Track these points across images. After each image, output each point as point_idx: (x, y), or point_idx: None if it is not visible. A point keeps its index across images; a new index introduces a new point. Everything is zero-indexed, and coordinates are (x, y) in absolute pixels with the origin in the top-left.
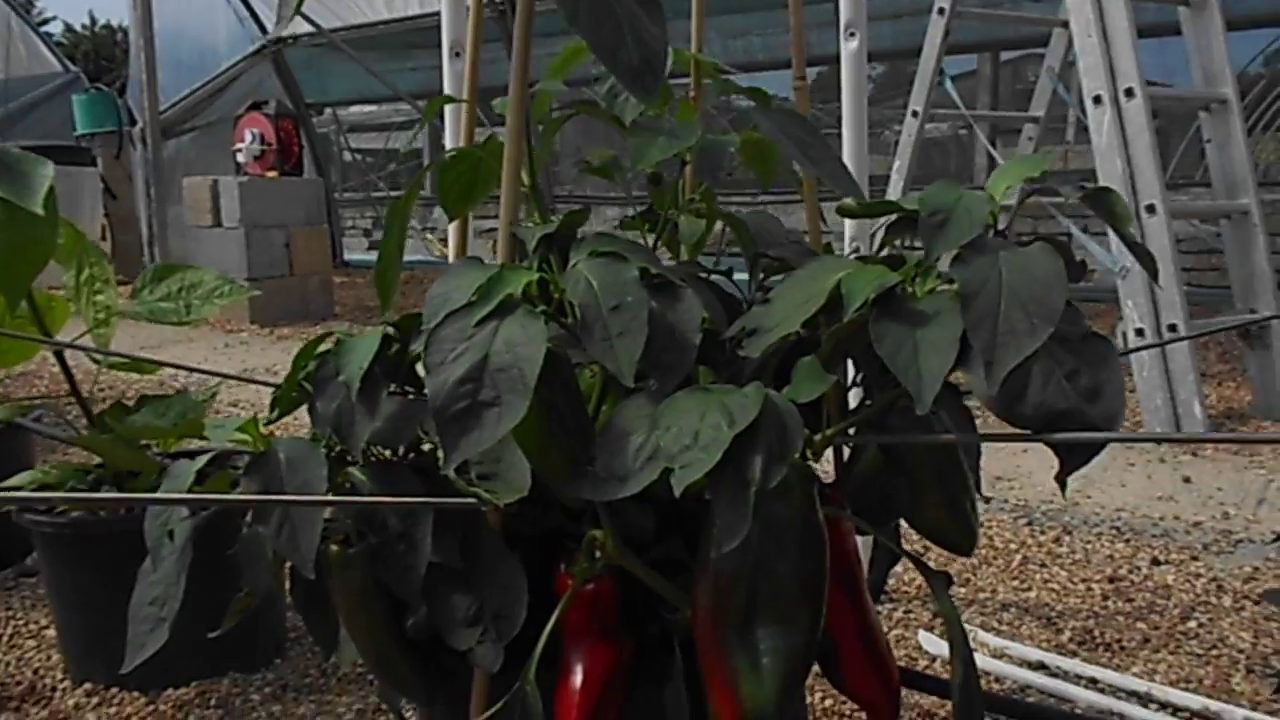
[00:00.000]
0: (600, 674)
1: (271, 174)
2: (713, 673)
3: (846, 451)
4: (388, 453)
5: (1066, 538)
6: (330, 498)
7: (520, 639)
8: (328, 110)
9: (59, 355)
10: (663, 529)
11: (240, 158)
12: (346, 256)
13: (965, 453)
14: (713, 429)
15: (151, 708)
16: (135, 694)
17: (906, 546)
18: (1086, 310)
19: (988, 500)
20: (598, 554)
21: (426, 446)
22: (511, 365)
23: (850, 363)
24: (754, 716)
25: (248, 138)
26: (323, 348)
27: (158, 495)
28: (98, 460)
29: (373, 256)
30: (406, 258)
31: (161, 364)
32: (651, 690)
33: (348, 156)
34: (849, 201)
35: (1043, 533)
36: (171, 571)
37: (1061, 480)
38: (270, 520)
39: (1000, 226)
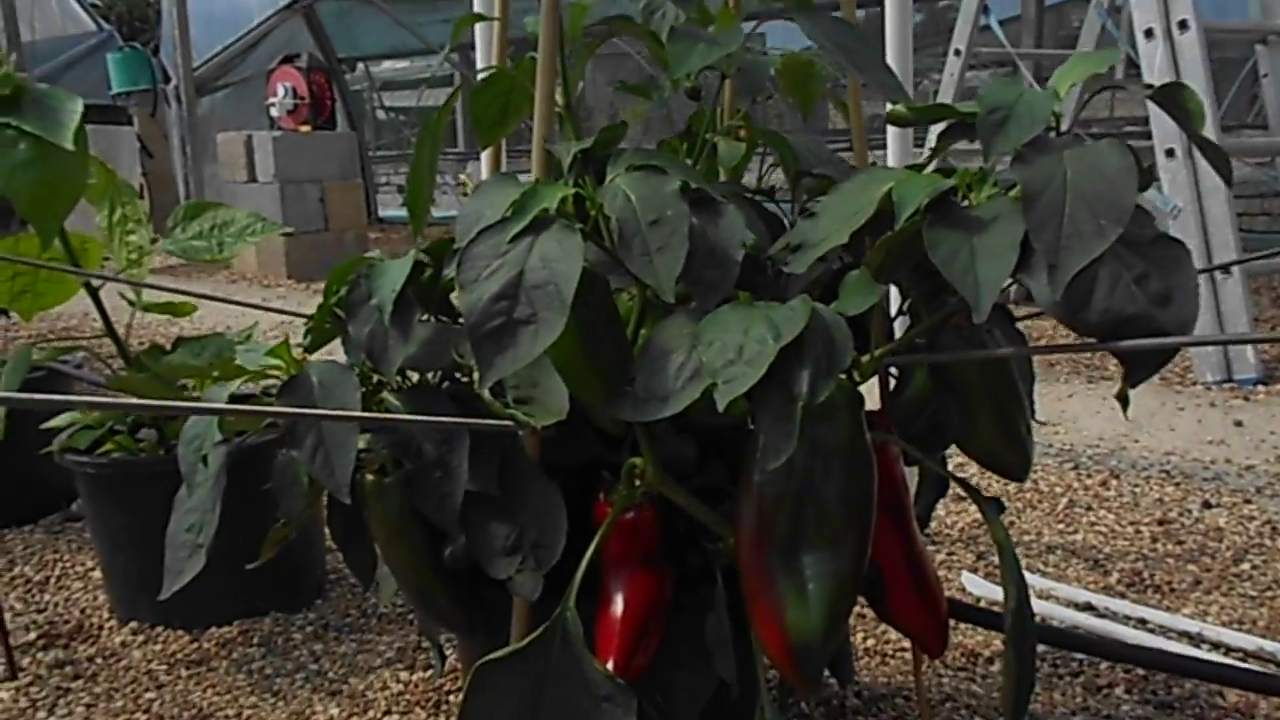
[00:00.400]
0: (641, 603)
1: (305, 128)
2: (757, 601)
3: (893, 383)
4: (421, 379)
5: (1114, 481)
6: (365, 414)
7: (559, 570)
8: (360, 67)
9: (94, 296)
10: (704, 458)
11: (274, 112)
12: (381, 213)
13: (1020, 377)
14: (757, 343)
15: (195, 645)
16: (179, 632)
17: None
18: None
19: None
20: (637, 482)
21: (463, 378)
22: (548, 281)
23: (896, 290)
24: (799, 645)
25: (280, 91)
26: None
27: (190, 404)
28: None
29: (405, 214)
30: (438, 212)
31: (196, 295)
32: (693, 622)
33: (380, 114)
34: (899, 108)
35: (1089, 476)
36: (207, 498)
37: (1124, 395)
38: (304, 444)
39: (1063, 128)
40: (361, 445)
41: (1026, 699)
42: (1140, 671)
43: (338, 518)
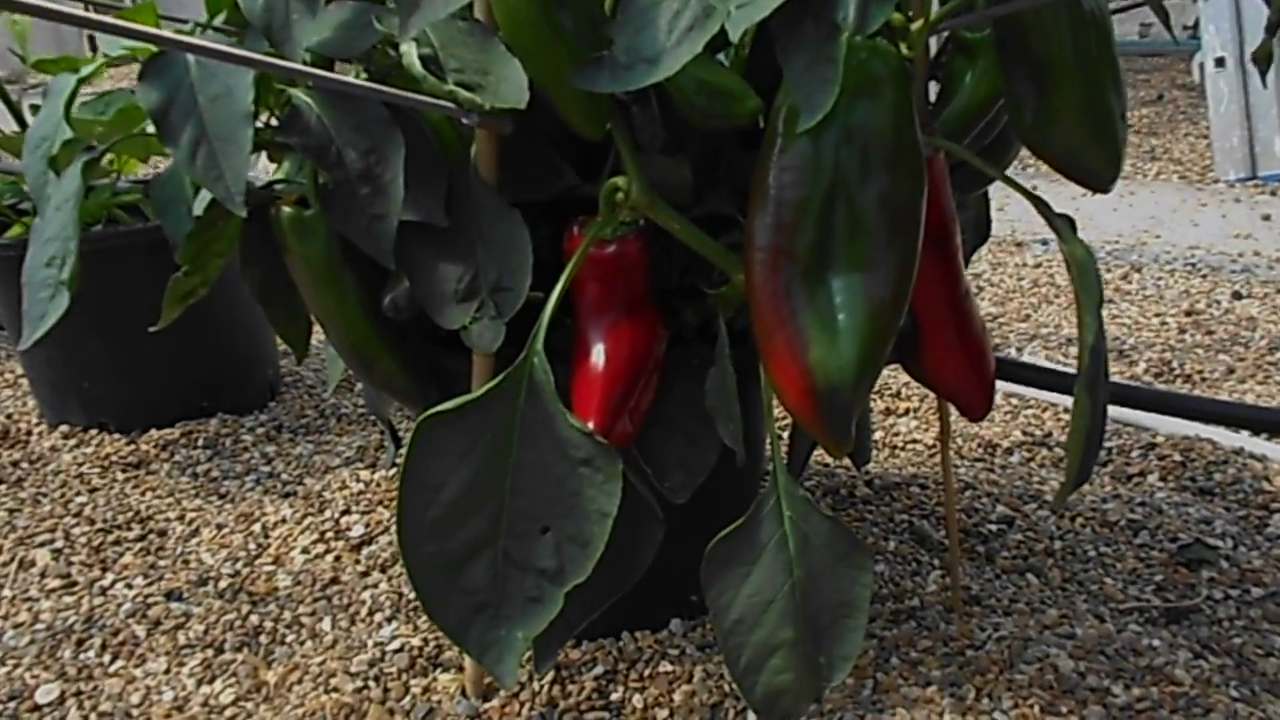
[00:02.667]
0: (626, 355)
1: None
2: (772, 337)
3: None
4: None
5: (1136, 275)
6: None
7: (526, 322)
8: None
9: None
10: (703, 187)
11: None
12: None
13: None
14: None
15: (132, 447)
16: (115, 435)
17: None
18: (1145, 64)
19: (1045, 242)
20: (620, 206)
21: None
22: None
23: None
24: (825, 388)
25: None
26: None
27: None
28: None
29: None
30: None
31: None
32: (690, 385)
33: None
34: None
35: (1109, 270)
36: (65, 223)
37: None
38: (181, 139)
39: None
40: (280, 175)
41: (1095, 456)
42: (1176, 457)
43: (253, 266)
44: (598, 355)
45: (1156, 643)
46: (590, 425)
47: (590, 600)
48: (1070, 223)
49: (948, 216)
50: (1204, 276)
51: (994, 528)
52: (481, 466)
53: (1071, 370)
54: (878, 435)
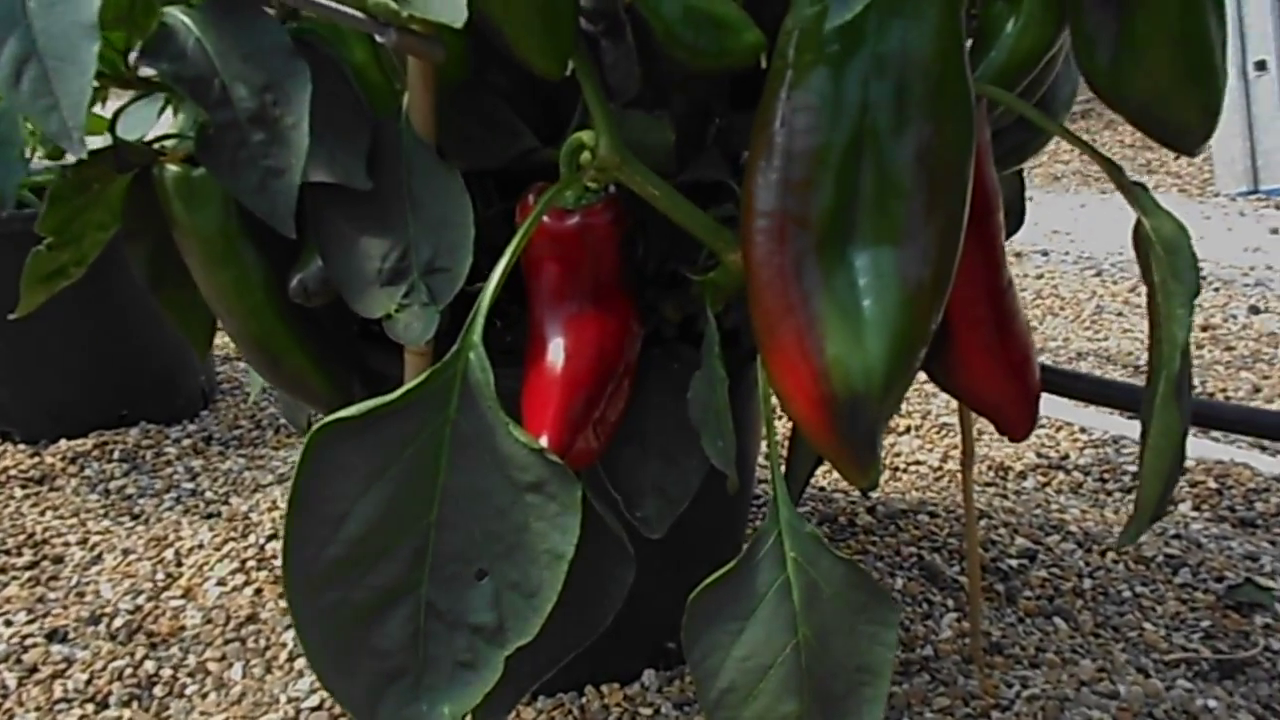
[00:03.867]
0: (590, 355)
1: None
2: (777, 329)
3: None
4: None
5: (1144, 287)
6: None
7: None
8: None
9: None
10: (688, 149)
11: None
12: None
13: None
14: None
15: (36, 460)
16: (21, 447)
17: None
18: None
19: (1045, 253)
20: (586, 167)
21: None
22: None
23: None
24: (847, 396)
25: None
26: None
27: None
28: None
29: None
30: None
31: None
32: (668, 394)
33: None
34: None
35: (1114, 283)
36: None
37: None
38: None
39: None
40: (172, 131)
41: (1175, 483)
42: (1210, 484)
43: (139, 240)
44: (555, 354)
45: (1212, 703)
46: (543, 441)
47: (544, 657)
48: (1148, 193)
49: (990, 187)
50: (1216, 290)
51: (1014, 563)
52: (398, 492)
53: (1135, 383)
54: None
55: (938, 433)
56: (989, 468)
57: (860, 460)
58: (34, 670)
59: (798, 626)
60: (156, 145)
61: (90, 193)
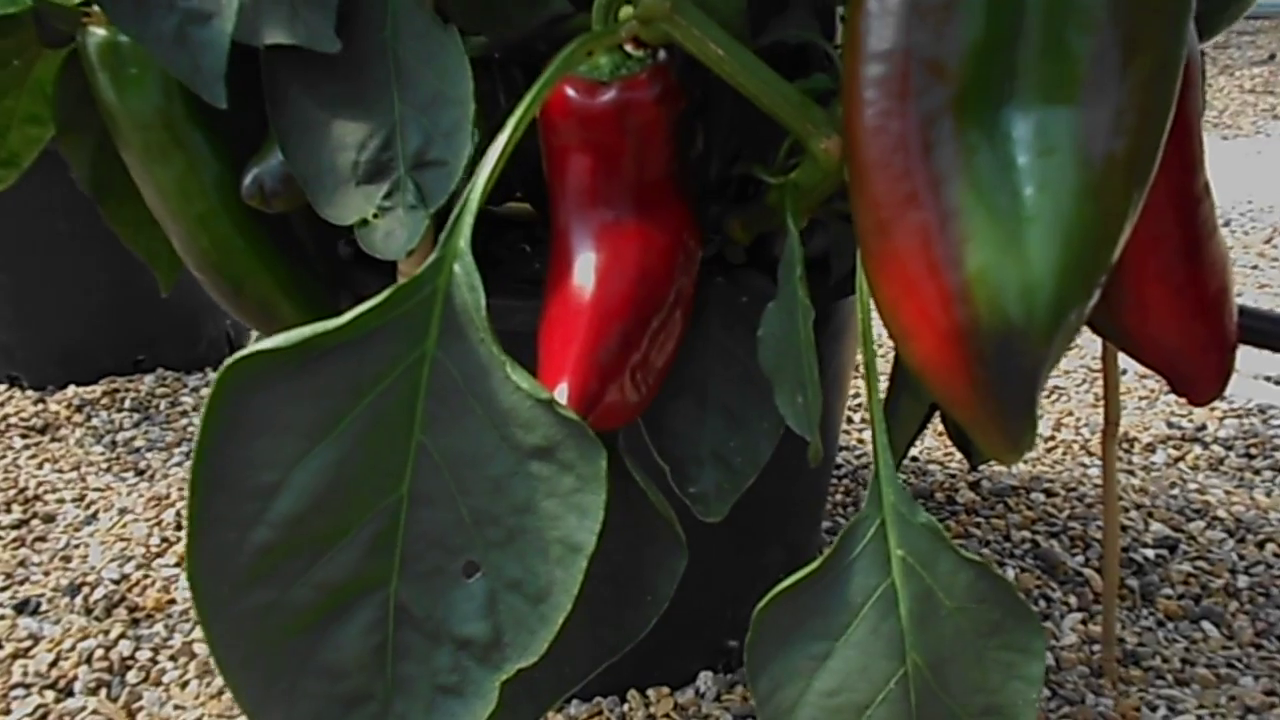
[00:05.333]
0: (629, 278)
1: None
2: (895, 229)
3: None
4: None
5: (1279, 238)
6: None
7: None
8: None
9: None
10: (764, 6)
11: None
12: None
13: None
14: None
15: (40, 408)
16: (28, 393)
17: None
18: (1251, 25)
19: None
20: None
21: None
22: None
23: None
24: (997, 325)
25: None
26: None
27: None
28: None
29: None
30: None
31: None
32: (737, 340)
33: None
34: None
35: (1246, 234)
36: None
37: None
38: None
39: None
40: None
41: None
42: None
43: (76, 133)
44: (582, 275)
45: None
46: (559, 391)
47: (569, 668)
48: None
49: (1194, 87)
50: None
51: (1150, 554)
52: (355, 454)
53: None
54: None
55: (1047, 396)
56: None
57: (1010, 424)
58: None
59: (906, 652)
60: (86, 7)
61: (7, 72)
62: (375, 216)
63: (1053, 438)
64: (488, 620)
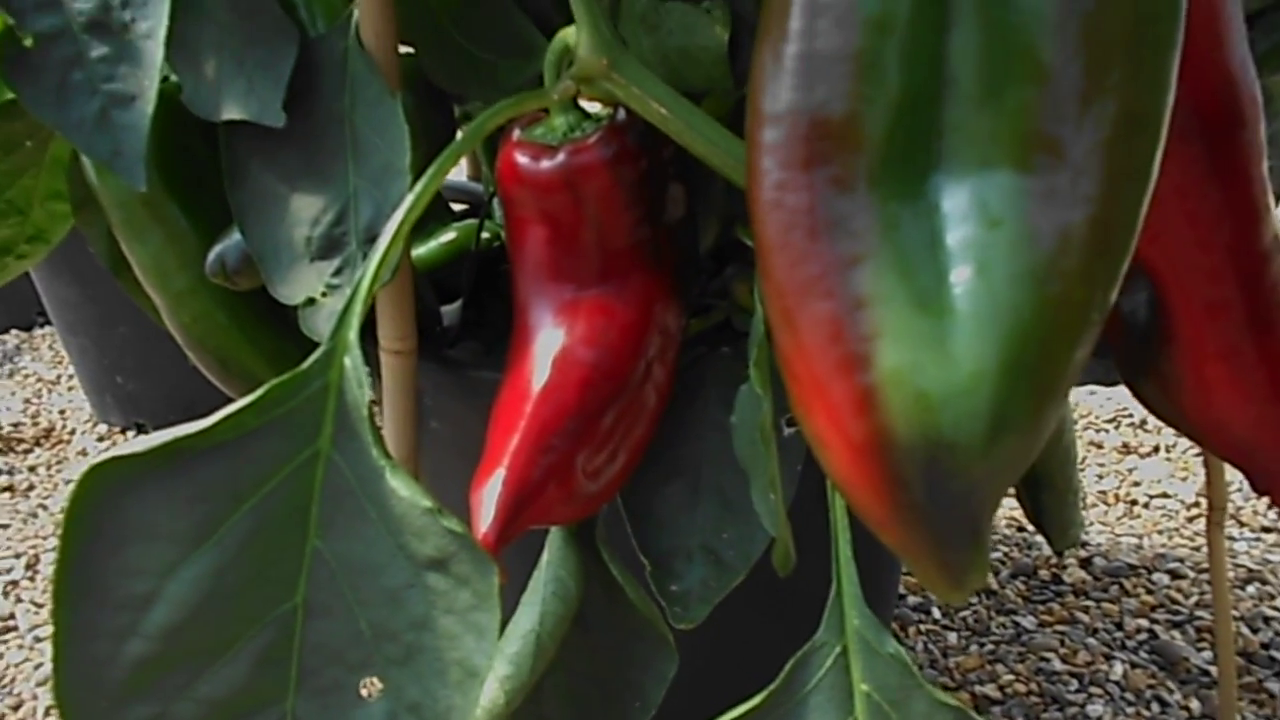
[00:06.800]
0: (584, 360)
1: None
2: (799, 318)
3: None
4: None
5: None
6: None
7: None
8: None
9: None
10: (747, 52)
11: None
12: None
13: None
14: None
15: None
16: None
17: None
18: None
19: None
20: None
21: None
22: None
23: None
24: (917, 438)
25: None
26: None
27: None
28: None
29: None
30: None
31: None
32: (714, 404)
33: None
34: None
35: None
36: None
37: None
38: None
39: None
40: None
41: None
42: None
43: (90, 214)
44: (535, 356)
45: None
46: (494, 481)
47: None
48: None
49: (1237, 76)
50: None
51: None
52: (234, 560)
53: None
54: (1106, 485)
55: (1197, 454)
56: (1256, 510)
57: (946, 557)
58: None
59: None
60: None
61: (22, 152)
62: (323, 295)
63: (1195, 504)
64: None
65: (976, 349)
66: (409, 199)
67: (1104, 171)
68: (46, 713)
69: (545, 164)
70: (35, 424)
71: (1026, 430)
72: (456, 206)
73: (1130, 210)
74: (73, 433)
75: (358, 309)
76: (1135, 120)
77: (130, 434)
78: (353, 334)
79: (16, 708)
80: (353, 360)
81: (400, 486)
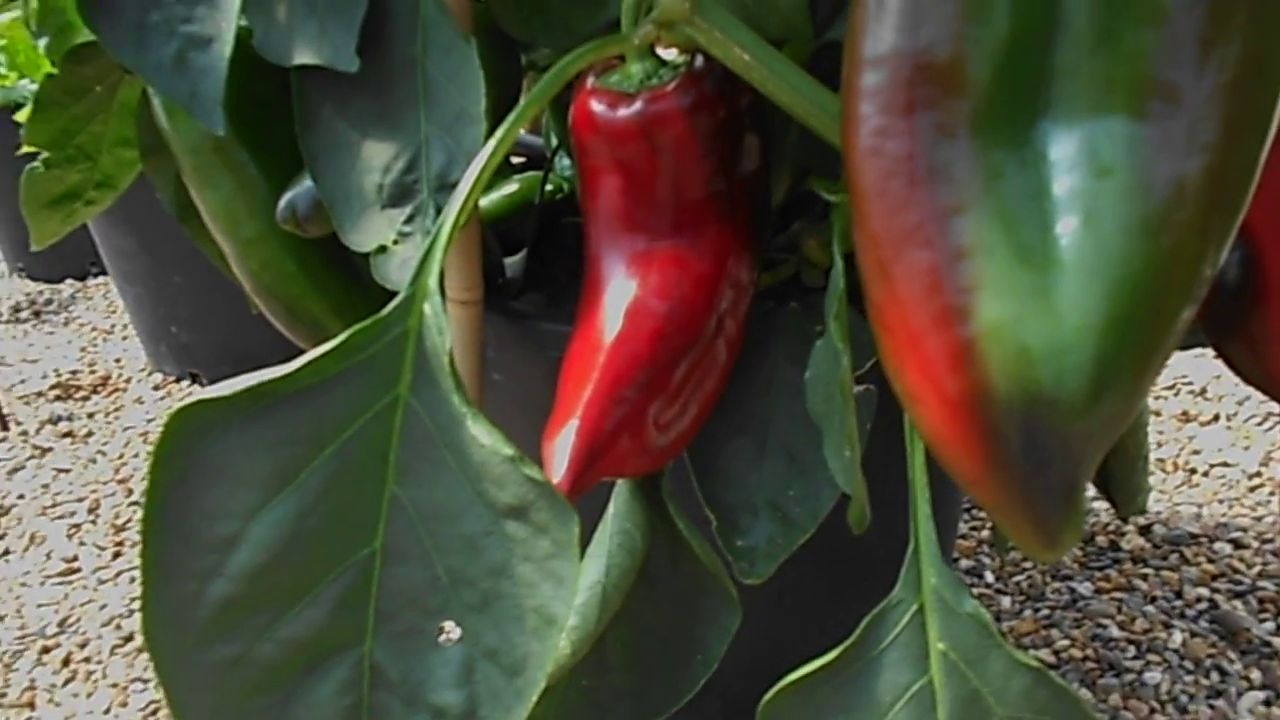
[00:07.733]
0: (656, 311)
1: None
2: (895, 269)
3: None
4: None
5: None
6: None
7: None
8: None
9: None
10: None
11: None
12: None
13: None
14: None
15: None
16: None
17: None
18: None
19: None
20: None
21: None
22: None
23: None
24: (1017, 393)
25: None
26: None
27: None
28: None
29: None
30: None
31: None
32: (791, 360)
33: None
34: None
35: None
36: None
37: None
38: None
39: None
40: None
41: None
42: None
43: (158, 160)
44: (607, 308)
45: None
46: (566, 432)
47: None
48: None
49: None
50: None
51: None
52: (315, 505)
53: None
54: (1165, 453)
55: (1259, 424)
56: None
57: (1041, 516)
58: (132, 637)
59: None
60: None
61: (91, 97)
62: (395, 243)
63: (1258, 474)
64: (464, 689)
65: (1082, 302)
66: (490, 145)
67: (1223, 119)
68: (111, 651)
69: (622, 112)
70: (92, 372)
71: (1129, 389)
72: (514, 160)
73: (1248, 160)
74: (128, 381)
75: (438, 255)
76: (1257, 64)
77: (185, 384)
78: (433, 280)
79: (83, 645)
80: (433, 307)
81: (481, 434)
